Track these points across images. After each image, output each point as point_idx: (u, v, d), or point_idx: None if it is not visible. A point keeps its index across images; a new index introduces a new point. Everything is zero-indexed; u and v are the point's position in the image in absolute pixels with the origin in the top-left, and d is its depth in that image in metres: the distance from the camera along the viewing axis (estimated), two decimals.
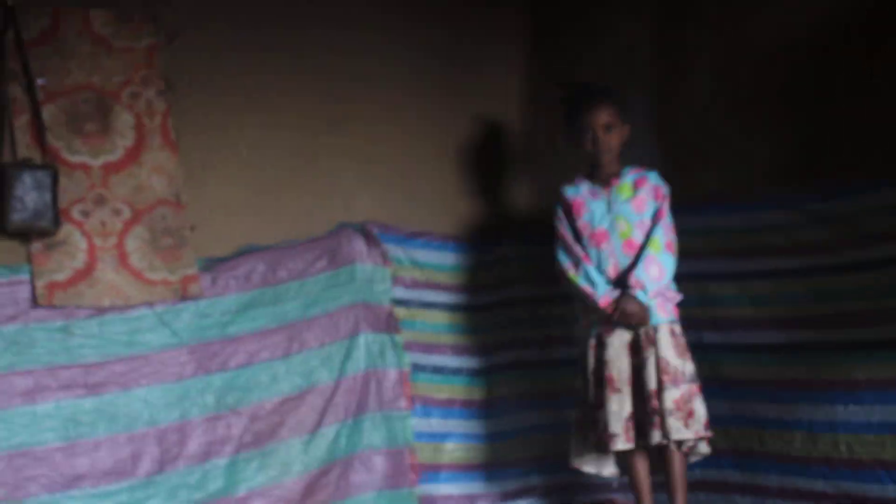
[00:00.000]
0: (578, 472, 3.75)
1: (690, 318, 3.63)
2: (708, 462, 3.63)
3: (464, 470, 4.16)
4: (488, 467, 4.18)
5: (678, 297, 3.59)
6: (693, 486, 3.63)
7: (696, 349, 3.58)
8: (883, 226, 3.38)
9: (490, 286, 4.30)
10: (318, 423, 3.87)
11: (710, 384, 3.59)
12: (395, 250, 4.12)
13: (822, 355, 3.53)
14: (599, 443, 3.55)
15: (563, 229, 3.68)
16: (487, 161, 4.44)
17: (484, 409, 4.22)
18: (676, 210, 3.62)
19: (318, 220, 3.99)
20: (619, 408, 3.49)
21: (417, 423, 4.06)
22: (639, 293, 3.47)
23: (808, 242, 3.58)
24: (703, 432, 3.47)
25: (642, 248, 3.56)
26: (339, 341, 3.94)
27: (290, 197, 3.96)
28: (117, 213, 3.63)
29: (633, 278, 3.49)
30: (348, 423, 3.92)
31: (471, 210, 4.38)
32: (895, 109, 3.32)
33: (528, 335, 4.30)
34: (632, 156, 3.71)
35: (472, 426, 4.19)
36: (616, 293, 3.52)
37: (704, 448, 3.55)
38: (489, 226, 4.37)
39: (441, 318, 4.21)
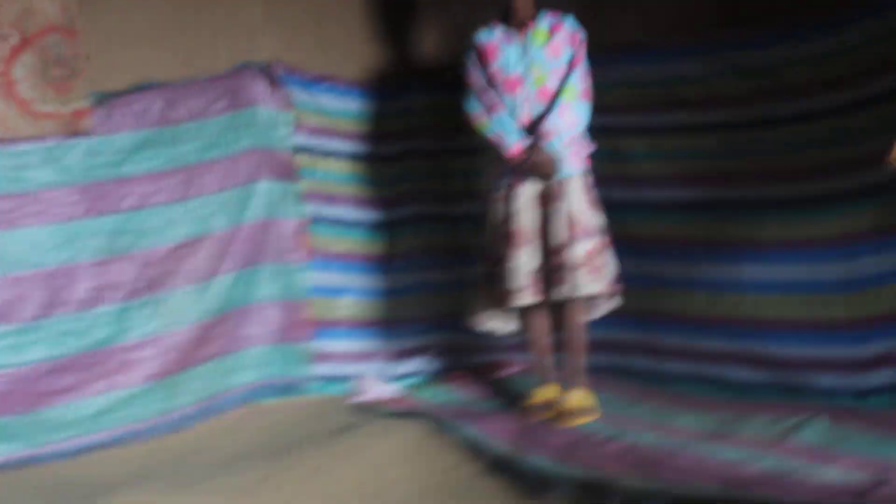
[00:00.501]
0: (476, 332, 3.89)
1: (600, 174, 3.75)
2: (609, 321, 3.81)
3: (359, 326, 4.28)
4: (384, 324, 4.32)
5: (590, 147, 3.69)
6: (593, 346, 3.80)
7: (605, 206, 3.71)
8: (801, 78, 3.53)
9: (395, 136, 4.38)
10: (213, 272, 3.94)
11: (617, 242, 3.73)
12: (299, 94, 4.15)
13: (730, 213, 3.71)
14: (503, 298, 3.65)
15: (475, 74, 3.72)
16: (397, 5, 4.49)
17: (382, 264, 4.34)
18: (590, 59, 3.71)
19: (221, 58, 4.00)
20: (526, 261, 3.58)
21: (314, 277, 4.16)
22: (551, 142, 3.56)
23: (723, 95, 3.71)
24: (611, 287, 3.63)
25: (556, 94, 3.63)
26: (238, 187, 4.00)
27: (191, 30, 3.95)
28: (4, 38, 3.59)
29: (546, 126, 3.56)
30: (244, 272, 4.00)
31: (379, 55, 4.44)
32: None
33: (430, 188, 4.40)
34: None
35: (369, 281, 4.31)
36: (528, 141, 3.60)
37: (610, 303, 3.71)
38: (397, 72, 4.42)
39: (343, 167, 4.29)
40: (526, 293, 3.60)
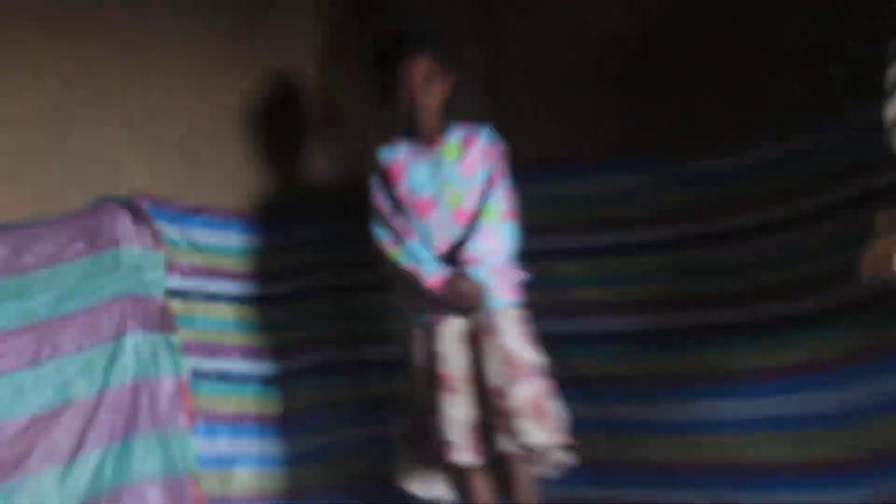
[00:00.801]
0: (401, 497, 3.58)
1: (533, 305, 3.55)
2: (562, 477, 3.54)
3: (258, 501, 3.95)
4: (289, 496, 3.98)
5: (522, 275, 3.50)
6: None
7: (543, 341, 3.51)
8: (752, 189, 3.42)
9: (285, 273, 4.13)
10: (77, 449, 3.52)
11: (562, 384, 3.50)
12: (169, 230, 3.84)
13: (689, 343, 3.56)
14: (436, 453, 3.38)
15: (380, 199, 3.54)
16: (281, 124, 4.26)
17: (281, 426, 4.02)
18: (512, 175, 3.55)
19: (75, 192, 3.66)
20: (458, 412, 3.34)
21: (200, 445, 3.79)
22: (473, 270, 3.36)
23: (664, 209, 3.60)
24: (559, 436, 3.37)
25: (476, 216, 3.45)
26: (102, 344, 3.62)
27: (38, 161, 3.61)
28: None
29: (467, 252, 3.38)
30: (115, 447, 3.60)
31: (262, 182, 4.18)
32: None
33: (332, 332, 4.16)
34: (458, 111, 3.61)
35: (267, 446, 3.99)
36: (447, 271, 3.40)
37: (561, 457, 3.45)
38: (285, 201, 4.19)
39: (226, 312, 3.99)
40: (463, 449, 3.32)
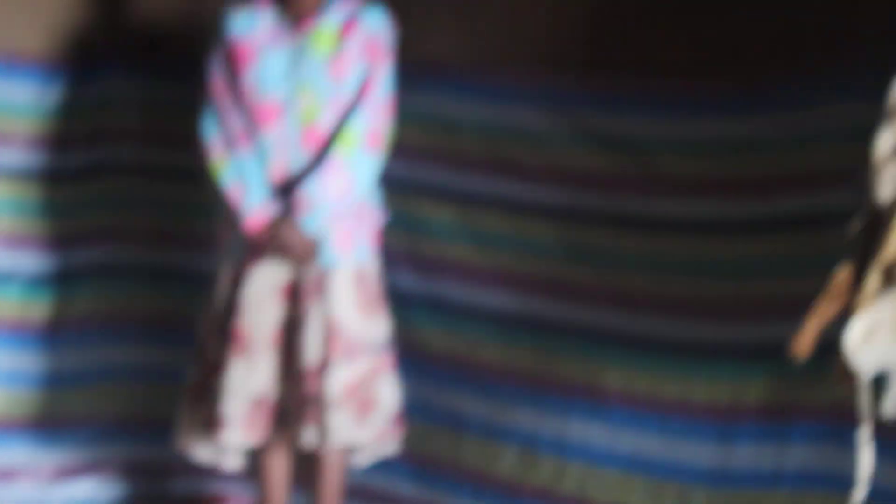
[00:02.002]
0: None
1: (385, 250, 3.48)
2: (377, 466, 3.57)
3: (3, 429, 3.87)
4: (42, 426, 3.93)
5: (380, 218, 3.39)
6: (352, 495, 3.59)
7: (391, 299, 3.46)
8: (685, 170, 3.32)
9: (80, 141, 3.91)
10: None
11: (404, 353, 3.51)
12: None
13: (566, 341, 3.50)
14: (210, 423, 3.34)
15: (218, 83, 3.33)
16: None
17: (45, 337, 3.92)
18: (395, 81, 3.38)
19: None
20: (244, 380, 3.27)
21: None
22: (306, 218, 3.21)
23: (571, 168, 3.47)
24: (387, 429, 3.37)
25: (330, 142, 3.26)
26: None
27: None
28: None
29: (301, 195, 3.22)
30: None
31: (72, 17, 3.87)
32: None
33: (129, 224, 3.96)
34: None
35: (22, 362, 3.90)
36: (274, 210, 3.25)
37: (385, 447, 3.45)
38: (97, 44, 3.88)
39: None
40: (237, 428, 3.27)
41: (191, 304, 3.80)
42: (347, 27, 3.29)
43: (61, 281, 3.91)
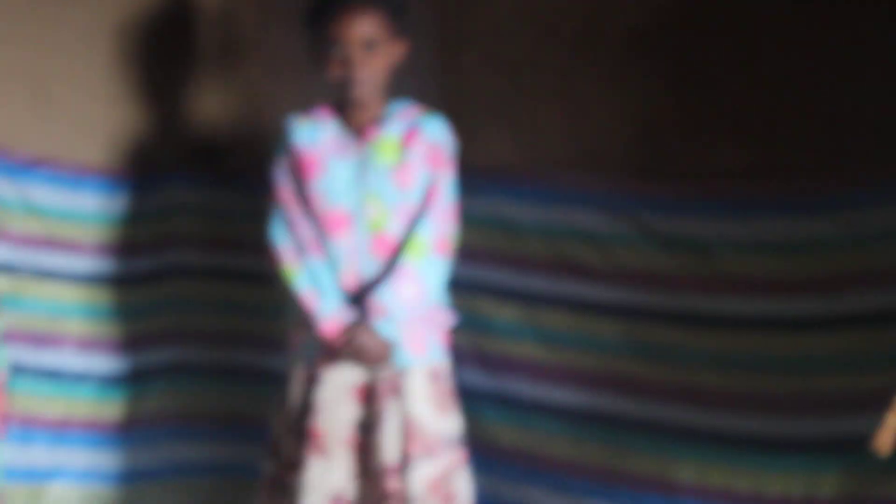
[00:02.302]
0: None
1: (454, 349, 3.45)
2: None
3: None
4: None
5: (450, 319, 3.37)
6: None
7: (458, 394, 3.43)
8: (750, 270, 3.27)
9: (148, 247, 3.95)
10: None
11: (476, 450, 3.47)
12: (1, 186, 3.68)
13: (635, 436, 3.47)
14: None
15: (285, 191, 3.33)
16: (164, 53, 4.00)
17: (119, 435, 3.92)
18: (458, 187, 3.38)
19: None
20: (321, 478, 3.25)
21: (10, 455, 3.65)
22: (381, 324, 3.21)
23: (635, 269, 3.45)
24: None
25: (400, 250, 3.27)
26: None
27: None
28: None
29: (376, 301, 3.22)
30: None
31: (132, 128, 3.94)
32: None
33: (201, 325, 4.00)
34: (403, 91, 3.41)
35: (94, 459, 3.88)
36: (350, 316, 3.24)
37: None
38: (158, 155, 3.96)
39: (65, 293, 3.83)
40: None
41: (258, 401, 3.87)
42: (409, 136, 3.29)
43: (133, 381, 3.91)
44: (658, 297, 3.38)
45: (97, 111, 3.88)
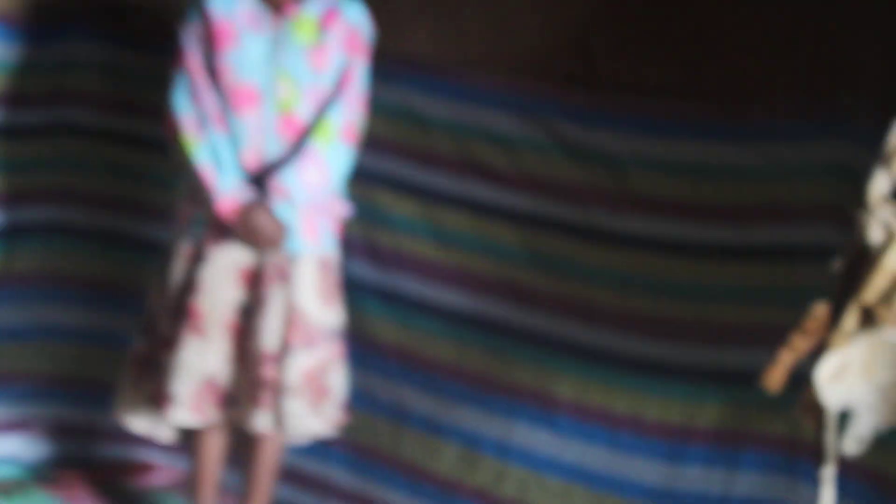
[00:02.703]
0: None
1: (345, 239, 3.43)
2: (312, 448, 3.52)
3: None
4: None
5: (346, 210, 3.34)
6: (285, 476, 3.55)
7: (346, 289, 3.42)
8: (656, 189, 3.22)
9: (42, 99, 3.80)
10: None
11: (349, 343, 3.43)
12: None
13: (518, 346, 3.44)
14: (156, 399, 3.28)
15: (192, 59, 3.23)
16: None
17: None
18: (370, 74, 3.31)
19: None
20: (196, 359, 3.21)
21: None
22: (281, 206, 3.15)
23: (541, 175, 3.38)
24: (334, 418, 3.32)
25: (307, 132, 3.20)
26: None
27: None
28: None
29: (278, 182, 3.15)
30: None
31: None
32: None
33: (86, 186, 3.87)
34: None
35: None
36: (247, 195, 3.16)
37: (322, 430, 3.37)
38: (63, 4, 3.76)
39: None
40: (185, 407, 3.21)
41: (136, 271, 3.78)
42: (328, 18, 3.22)
43: (8, 236, 3.79)
44: (562, 209, 3.33)
45: None
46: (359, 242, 3.57)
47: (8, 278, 3.80)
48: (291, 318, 3.19)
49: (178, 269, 3.26)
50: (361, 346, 3.53)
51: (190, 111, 3.20)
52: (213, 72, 3.22)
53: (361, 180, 3.44)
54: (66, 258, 3.86)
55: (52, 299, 3.87)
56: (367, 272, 3.60)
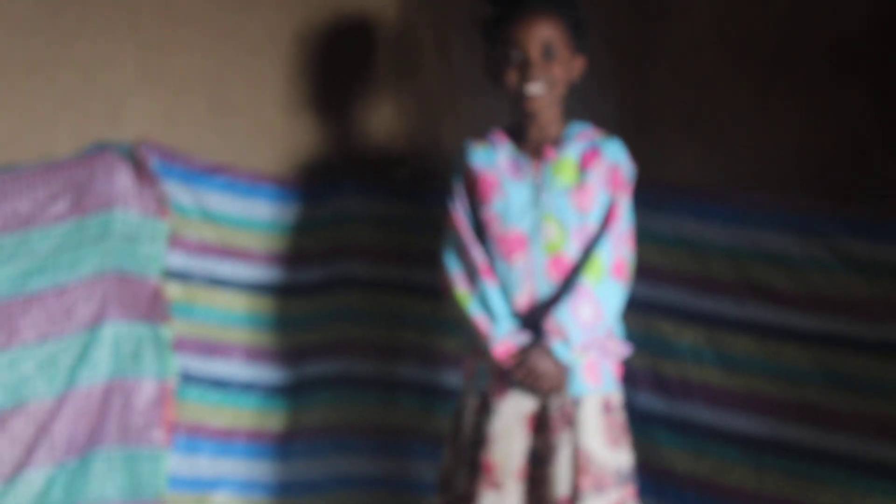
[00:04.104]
0: None
1: (629, 368, 3.34)
2: None
3: None
4: None
5: (625, 349, 3.21)
6: None
7: (630, 418, 3.28)
8: None
9: (318, 256, 3.83)
10: (22, 465, 3.36)
11: (643, 476, 3.33)
12: (179, 192, 3.58)
13: (820, 468, 3.29)
14: None
15: (460, 214, 3.22)
16: (341, 66, 3.91)
17: (281, 446, 3.81)
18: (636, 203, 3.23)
19: (65, 136, 3.42)
20: None
21: (176, 463, 3.64)
22: (558, 346, 3.05)
23: (827, 295, 3.25)
24: None
25: (576, 270, 3.12)
26: (72, 334, 3.43)
27: (21, 95, 3.35)
28: None
29: (552, 322, 3.05)
30: (70, 463, 3.43)
31: (308, 138, 3.85)
32: None
33: (367, 336, 3.87)
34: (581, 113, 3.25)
35: (258, 470, 3.80)
36: (523, 339, 3.09)
37: None
38: (332, 164, 3.87)
39: (236, 302, 3.73)
40: None
41: (420, 415, 3.79)
42: (588, 158, 3.16)
43: (297, 392, 3.81)
44: (854, 326, 3.17)
45: (274, 120, 3.80)
46: (645, 374, 3.48)
47: (300, 432, 3.82)
48: (580, 463, 3.09)
49: (468, 423, 3.22)
50: (657, 479, 3.44)
51: (460, 268, 3.18)
52: (481, 222, 3.20)
53: (642, 311, 3.37)
54: (353, 409, 3.85)
55: (345, 449, 3.86)
56: (656, 403, 3.50)
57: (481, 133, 3.25)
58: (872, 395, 3.15)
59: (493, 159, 3.19)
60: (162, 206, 3.54)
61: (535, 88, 3.12)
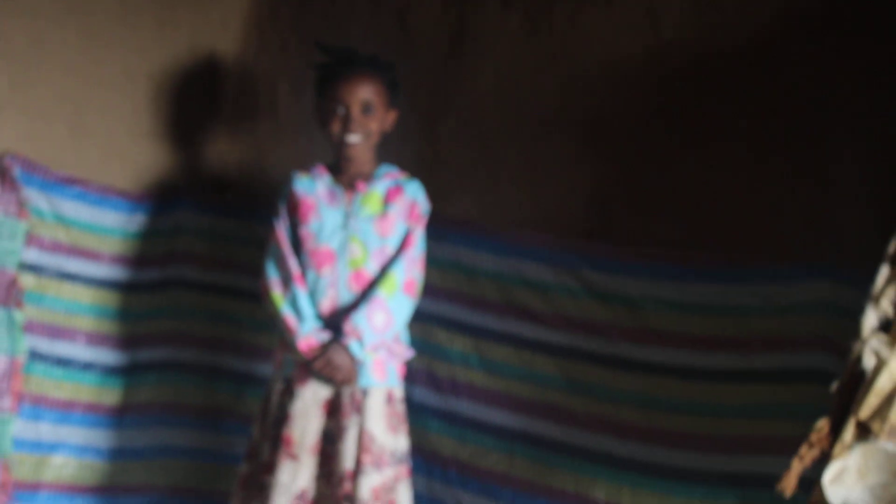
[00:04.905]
0: None
1: (409, 367, 3.40)
2: None
3: (70, 491, 3.67)
4: (104, 492, 3.73)
5: (408, 353, 3.34)
6: None
7: (407, 409, 3.36)
8: (669, 325, 3.13)
9: (156, 260, 3.81)
10: None
11: (415, 457, 3.38)
12: (37, 198, 3.52)
13: (559, 457, 3.31)
14: None
15: (282, 231, 3.31)
16: (189, 100, 3.87)
17: (114, 418, 3.76)
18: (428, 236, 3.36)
19: None
20: (290, 480, 3.19)
21: (21, 428, 3.53)
22: (352, 344, 3.16)
23: (572, 316, 3.31)
24: None
25: (373, 285, 3.24)
26: None
27: None
28: None
29: (350, 324, 3.17)
30: None
31: (154, 160, 3.82)
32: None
33: (194, 330, 3.83)
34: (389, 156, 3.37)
35: (92, 437, 3.72)
36: (324, 336, 3.19)
37: None
38: (174, 182, 3.84)
39: (81, 294, 3.67)
40: None
41: (235, 399, 3.76)
42: (392, 193, 3.28)
43: (130, 373, 3.77)
44: (592, 342, 3.27)
45: (124, 144, 3.74)
46: (421, 373, 3.53)
47: (132, 407, 3.77)
48: (363, 443, 3.17)
49: (273, 404, 3.27)
50: (426, 459, 3.48)
51: (277, 275, 3.26)
52: (299, 238, 3.27)
53: (422, 321, 3.44)
54: (178, 390, 3.80)
55: (169, 424, 3.81)
56: (429, 397, 3.55)
57: (306, 166, 3.36)
58: (604, 399, 3.26)
59: (313, 187, 3.30)
60: (22, 208, 3.47)
61: (354, 139, 3.26)
